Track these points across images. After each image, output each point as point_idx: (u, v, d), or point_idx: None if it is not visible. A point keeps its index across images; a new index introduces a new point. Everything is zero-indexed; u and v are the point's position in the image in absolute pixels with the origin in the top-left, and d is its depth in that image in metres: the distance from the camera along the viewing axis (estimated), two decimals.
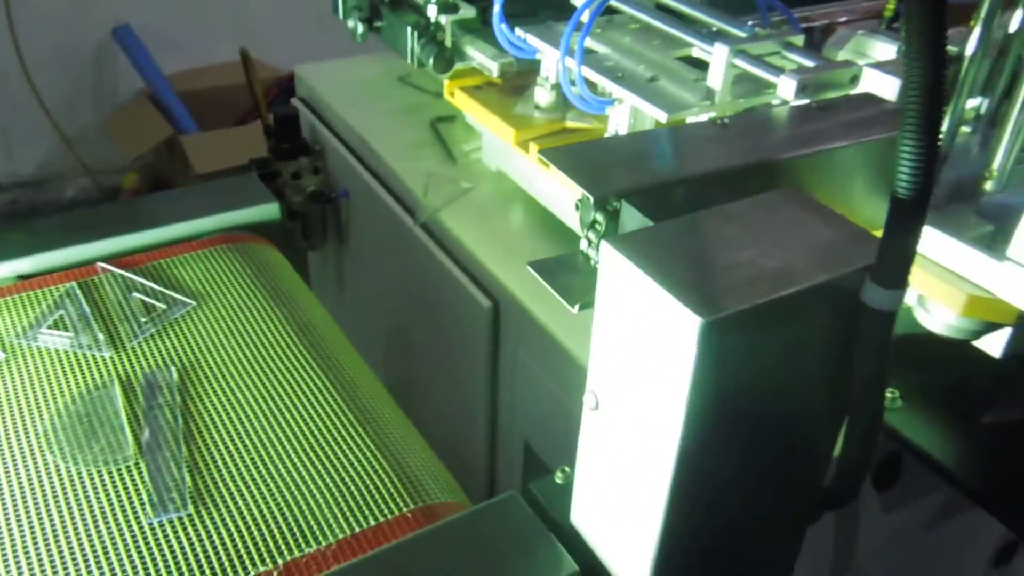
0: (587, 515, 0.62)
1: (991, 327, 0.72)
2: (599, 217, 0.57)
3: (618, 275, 0.49)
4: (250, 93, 2.55)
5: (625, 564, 0.59)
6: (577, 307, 0.59)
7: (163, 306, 0.82)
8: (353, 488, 0.68)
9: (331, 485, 0.68)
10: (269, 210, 0.98)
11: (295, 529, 0.65)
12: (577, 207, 0.60)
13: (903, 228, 0.46)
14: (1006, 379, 0.79)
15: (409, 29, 1.02)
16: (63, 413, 0.72)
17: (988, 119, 0.73)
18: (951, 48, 0.77)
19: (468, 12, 1.02)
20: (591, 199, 0.56)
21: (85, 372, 0.75)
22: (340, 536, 0.65)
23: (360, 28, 1.12)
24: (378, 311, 1.35)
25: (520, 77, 1.04)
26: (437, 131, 1.26)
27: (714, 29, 0.82)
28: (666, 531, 0.54)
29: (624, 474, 0.56)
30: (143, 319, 0.81)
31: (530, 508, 0.65)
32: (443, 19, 1.01)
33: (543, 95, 0.94)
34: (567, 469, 0.69)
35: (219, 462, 0.68)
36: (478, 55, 1.02)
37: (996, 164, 0.72)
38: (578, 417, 0.59)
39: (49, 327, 0.79)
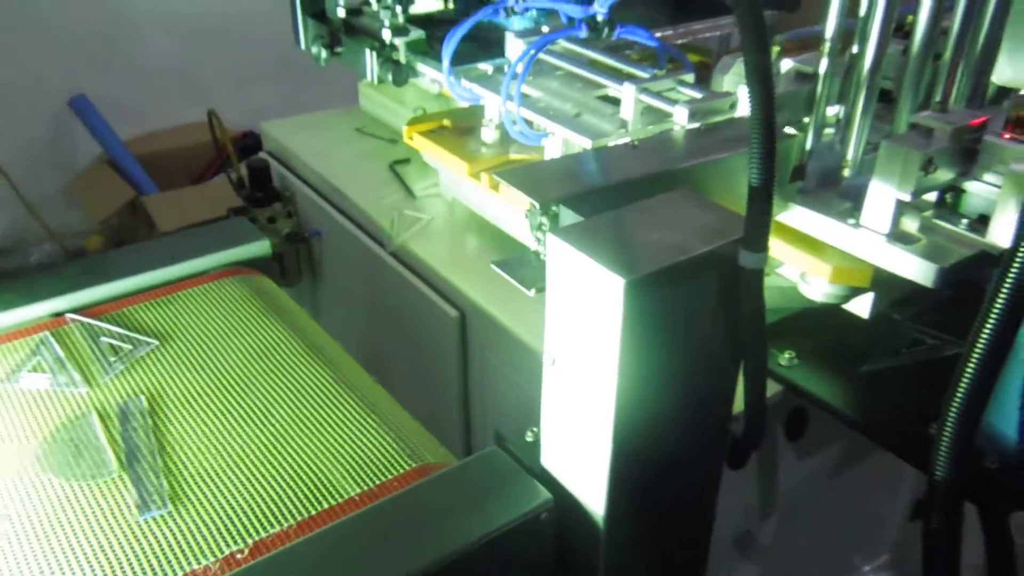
0: (554, 457, 0.79)
1: (856, 292, 0.92)
2: (544, 219, 0.75)
3: (562, 257, 0.67)
4: (217, 150, 2.70)
5: (586, 491, 0.75)
6: (533, 291, 0.77)
7: (128, 347, 0.95)
8: (358, 454, 0.84)
9: (338, 453, 0.83)
10: (262, 246, 1.13)
11: (310, 491, 0.79)
12: (527, 215, 0.78)
13: (758, 207, 0.65)
14: (874, 335, 0.98)
15: (368, 51, 1.20)
16: (50, 440, 0.85)
17: (844, 122, 0.93)
18: (807, 68, 0.98)
19: (418, 34, 1.20)
20: (537, 206, 0.73)
21: (65, 406, 0.88)
22: (350, 494, 0.80)
23: (324, 54, 1.29)
24: (353, 335, 1.50)
25: (465, 121, 1.22)
26: (395, 172, 1.43)
27: (623, 73, 1.01)
28: (614, 459, 0.71)
29: (578, 416, 0.73)
30: (112, 358, 0.93)
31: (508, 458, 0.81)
32: (397, 41, 1.19)
33: (488, 134, 1.12)
34: (535, 429, 0.85)
35: (194, 464, 0.81)
36: (428, 70, 1.20)
37: (850, 156, 0.91)
38: (539, 397, 0.76)
39: (29, 371, 0.92)
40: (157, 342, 0.95)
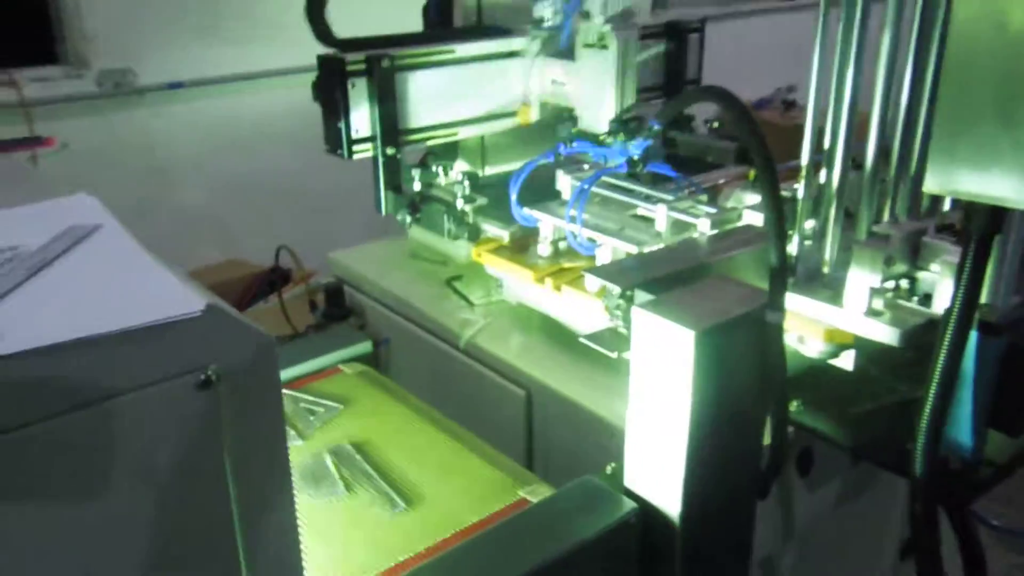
0: (635, 477, 1.05)
1: (841, 349, 1.22)
2: (621, 300, 1.05)
3: (645, 321, 0.96)
4: (246, 285, 2.99)
5: (665, 500, 1.02)
6: (616, 353, 1.06)
7: (321, 410, 1.24)
8: (478, 488, 1.10)
9: (464, 489, 1.10)
10: (365, 345, 1.41)
11: (454, 513, 1.05)
12: (605, 299, 1.08)
13: (777, 280, 0.96)
14: (859, 385, 1.27)
15: (445, 215, 1.52)
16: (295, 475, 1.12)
17: (819, 232, 1.26)
18: (787, 194, 1.31)
19: (483, 201, 1.53)
20: (617, 290, 1.04)
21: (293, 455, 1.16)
22: (477, 519, 1.06)
23: (408, 219, 1.61)
24: None
25: (518, 241, 1.54)
26: (453, 287, 1.73)
27: (654, 197, 1.35)
28: (687, 472, 0.98)
29: (657, 443, 1.00)
30: (311, 418, 1.22)
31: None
32: (467, 207, 1.52)
33: (544, 248, 1.44)
34: (613, 464, 1.12)
35: (400, 483, 1.09)
36: (491, 228, 1.52)
37: (827, 257, 1.24)
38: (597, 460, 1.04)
39: None
40: (343, 406, 1.23)
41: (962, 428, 1.09)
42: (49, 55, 2.79)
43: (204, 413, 0.64)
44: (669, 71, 1.89)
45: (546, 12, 1.61)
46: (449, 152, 1.81)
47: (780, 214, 0.97)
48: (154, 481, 0.64)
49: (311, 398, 1.27)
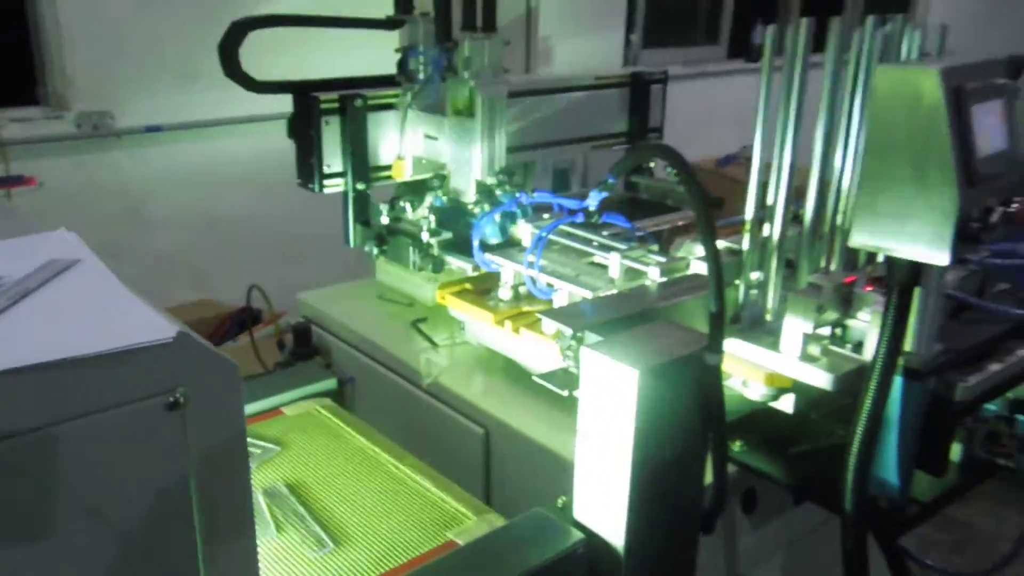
0: (584, 510, 1.11)
1: (781, 392, 1.29)
2: (573, 341, 1.12)
3: (594, 361, 1.03)
4: (218, 324, 3.02)
5: (610, 531, 1.07)
6: (567, 392, 1.12)
7: (258, 451, 1.27)
8: (408, 530, 1.15)
9: (415, 518, 1.14)
10: (330, 382, 1.46)
11: (395, 547, 1.10)
12: (559, 340, 1.14)
13: (716, 324, 1.03)
14: (799, 428, 1.34)
15: (411, 248, 1.59)
16: None
17: (763, 283, 1.34)
18: (735, 246, 1.39)
19: (447, 235, 1.60)
20: (570, 331, 1.10)
21: None
22: (428, 548, 1.10)
23: (375, 251, 1.67)
24: None
25: (481, 284, 1.60)
26: (418, 328, 1.79)
27: (608, 245, 1.42)
28: (631, 504, 1.04)
29: (604, 476, 1.06)
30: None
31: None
32: (432, 240, 1.59)
33: (505, 292, 1.51)
34: (563, 498, 1.17)
35: (331, 523, 1.13)
36: (456, 261, 1.59)
37: (769, 305, 1.32)
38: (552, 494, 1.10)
39: None
40: (279, 448, 1.26)
41: (889, 469, 1.16)
42: (29, 96, 2.85)
43: (172, 433, 0.69)
44: (632, 120, 1.99)
45: (417, 66, 1.65)
46: (419, 189, 1.88)
47: (718, 263, 1.05)
48: (123, 500, 0.68)
49: (248, 439, 1.31)
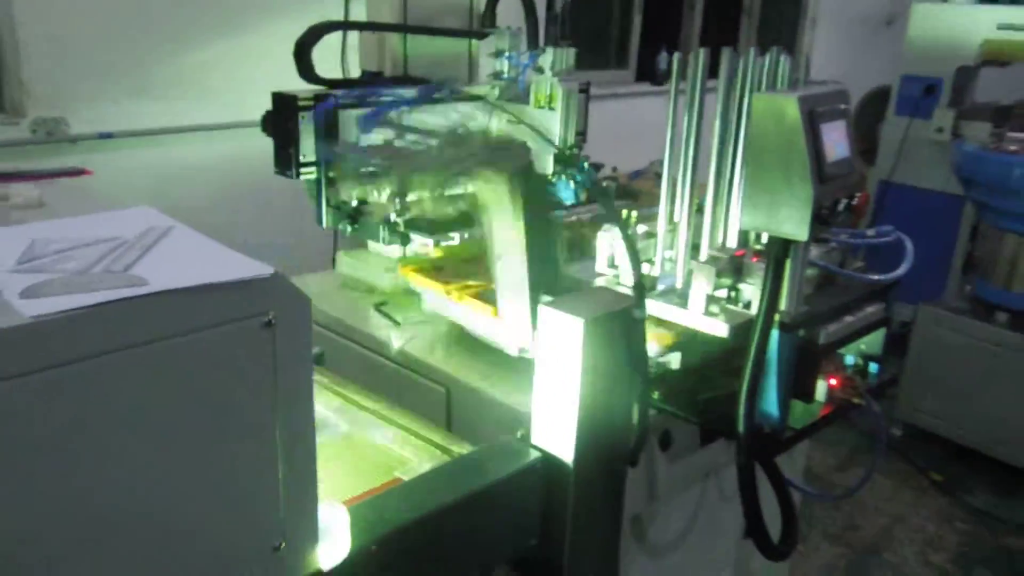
0: (540, 435, 1.41)
1: (669, 350, 1.61)
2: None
3: (547, 316, 1.34)
4: None
5: (561, 449, 1.38)
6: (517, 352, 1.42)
7: None
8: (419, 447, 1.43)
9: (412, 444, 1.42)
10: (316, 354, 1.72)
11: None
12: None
13: (637, 290, 1.36)
14: (699, 380, 1.68)
15: (380, 227, 1.87)
16: None
17: (677, 258, 1.67)
18: (652, 229, 1.72)
19: (411, 214, 1.89)
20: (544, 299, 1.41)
21: None
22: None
23: (348, 229, 1.94)
24: None
25: (436, 264, 1.90)
26: (380, 310, 2.06)
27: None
28: (579, 429, 1.35)
29: (557, 410, 1.37)
30: None
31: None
32: (399, 220, 1.88)
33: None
34: (523, 430, 1.47)
35: None
36: (418, 237, 1.88)
37: (679, 274, 1.65)
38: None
39: None
40: None
41: (771, 403, 1.51)
42: None
43: (266, 345, 0.96)
44: None
45: (504, 67, 2.04)
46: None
47: (633, 245, 1.38)
48: (233, 395, 0.95)
49: None
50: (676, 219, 1.61)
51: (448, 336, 1.90)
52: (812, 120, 1.35)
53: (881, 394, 1.65)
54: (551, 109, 1.93)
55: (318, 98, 1.91)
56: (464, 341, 1.85)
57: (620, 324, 1.37)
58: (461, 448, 1.48)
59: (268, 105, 1.95)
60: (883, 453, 1.97)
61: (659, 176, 2.34)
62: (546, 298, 1.41)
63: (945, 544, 2.68)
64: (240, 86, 3.36)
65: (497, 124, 1.99)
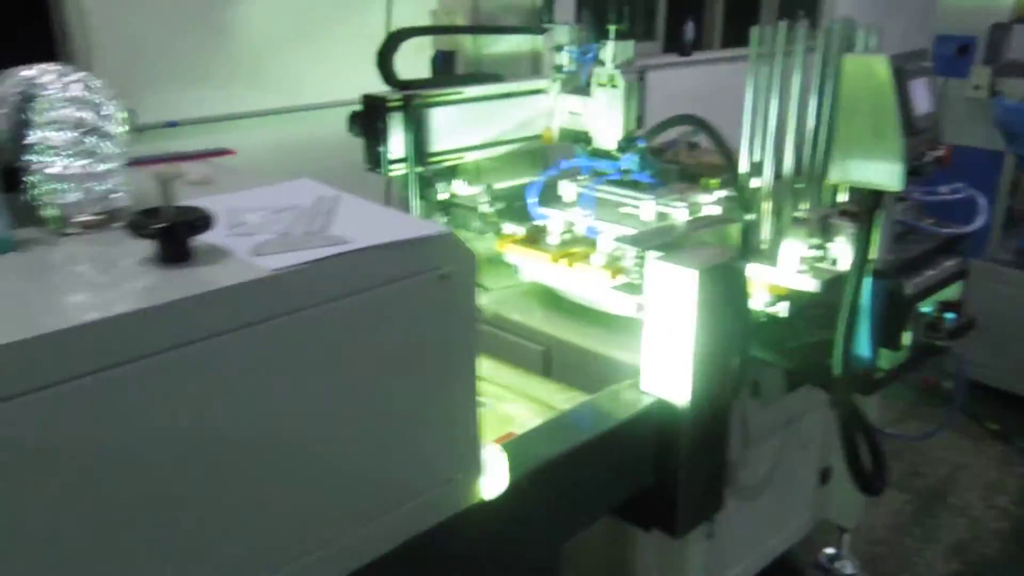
0: (651, 382, 1.52)
1: (778, 300, 1.72)
2: (638, 258, 1.53)
3: (659, 268, 1.44)
4: None
5: (676, 396, 1.48)
6: (636, 307, 1.53)
7: None
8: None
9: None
10: None
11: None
12: (623, 262, 1.55)
13: (744, 241, 1.46)
14: (789, 330, 1.78)
15: (473, 217, 1.98)
16: None
17: (758, 222, 1.77)
18: (732, 195, 1.82)
19: (501, 205, 1.99)
20: (639, 248, 1.51)
21: None
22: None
23: (444, 220, 2.05)
24: None
25: (529, 235, 2.00)
26: None
27: (641, 197, 1.84)
28: (694, 377, 1.45)
29: (670, 357, 1.47)
30: None
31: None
32: (490, 209, 1.98)
33: (554, 239, 1.91)
34: (629, 380, 1.58)
35: None
36: (508, 226, 1.98)
37: (764, 237, 1.75)
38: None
39: None
40: None
41: (863, 345, 1.61)
42: None
43: (443, 296, 1.07)
44: None
45: (564, 60, 2.13)
46: (448, 173, 2.23)
47: (745, 198, 1.47)
48: (417, 341, 1.06)
49: None
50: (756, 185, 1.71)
51: (538, 300, 2.00)
52: (900, 77, 1.44)
53: (961, 336, 1.75)
54: (613, 87, 2.01)
55: (407, 99, 1.99)
56: (555, 304, 1.96)
57: (727, 275, 1.47)
58: (564, 403, 1.59)
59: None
60: (964, 389, 2.06)
61: (691, 146, 2.45)
62: (654, 252, 1.51)
63: (1007, 488, 2.77)
64: (296, 72, 3.47)
65: (559, 116, 2.10)
